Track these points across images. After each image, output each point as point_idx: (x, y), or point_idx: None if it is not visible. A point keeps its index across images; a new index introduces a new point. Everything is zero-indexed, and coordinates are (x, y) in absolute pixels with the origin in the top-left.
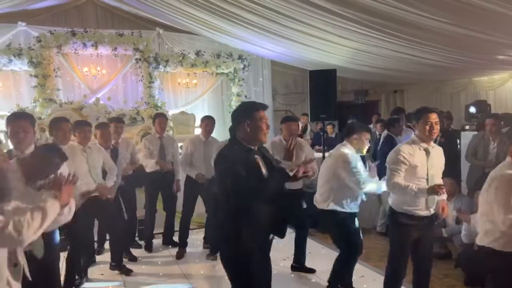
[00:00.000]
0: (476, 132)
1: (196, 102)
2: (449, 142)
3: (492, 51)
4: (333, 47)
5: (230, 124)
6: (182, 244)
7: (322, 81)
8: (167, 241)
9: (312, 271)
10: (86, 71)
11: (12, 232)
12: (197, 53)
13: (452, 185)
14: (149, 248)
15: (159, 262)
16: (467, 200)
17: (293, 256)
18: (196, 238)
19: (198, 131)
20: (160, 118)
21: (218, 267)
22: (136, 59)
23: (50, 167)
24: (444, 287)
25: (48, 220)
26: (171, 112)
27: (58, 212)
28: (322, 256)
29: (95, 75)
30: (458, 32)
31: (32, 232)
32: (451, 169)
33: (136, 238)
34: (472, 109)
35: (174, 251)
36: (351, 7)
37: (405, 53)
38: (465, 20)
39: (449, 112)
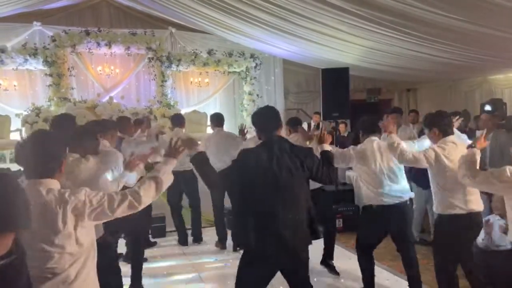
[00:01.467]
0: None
1: (208, 101)
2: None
3: (508, 48)
4: (346, 46)
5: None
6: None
7: (335, 79)
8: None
9: (336, 273)
10: (100, 70)
11: (132, 201)
12: (209, 52)
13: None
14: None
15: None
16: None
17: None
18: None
19: (210, 130)
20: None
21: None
22: (149, 58)
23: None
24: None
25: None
26: (183, 111)
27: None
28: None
29: (109, 74)
30: (473, 29)
31: (148, 199)
32: None
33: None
34: (488, 108)
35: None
36: (364, 5)
37: (418, 51)
38: (479, 17)
39: (466, 110)
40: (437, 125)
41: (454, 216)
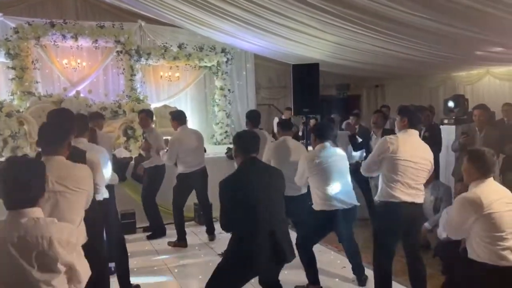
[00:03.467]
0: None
1: (179, 95)
2: (433, 135)
3: (471, 47)
4: (316, 41)
5: (213, 118)
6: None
7: (305, 75)
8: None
9: None
10: (66, 64)
11: None
12: (180, 46)
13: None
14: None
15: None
16: (444, 187)
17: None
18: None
19: None
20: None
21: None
22: (118, 51)
23: None
24: None
25: None
26: (153, 105)
27: None
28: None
29: (75, 68)
30: (438, 28)
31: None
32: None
33: None
34: (451, 104)
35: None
36: (334, 2)
37: (386, 48)
38: (445, 16)
39: (431, 106)
40: (410, 116)
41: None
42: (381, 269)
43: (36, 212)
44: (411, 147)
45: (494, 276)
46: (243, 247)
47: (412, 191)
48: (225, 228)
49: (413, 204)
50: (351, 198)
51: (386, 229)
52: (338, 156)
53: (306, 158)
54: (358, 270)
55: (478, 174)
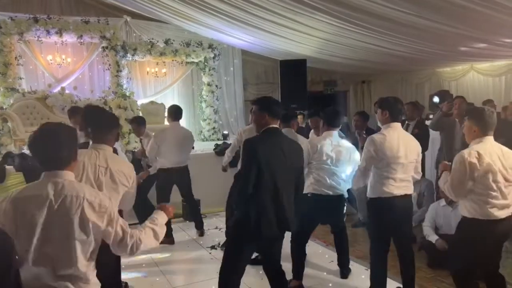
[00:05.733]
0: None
1: (165, 91)
2: (422, 132)
3: (455, 42)
4: (303, 38)
5: (201, 114)
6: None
7: (293, 71)
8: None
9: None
10: (51, 60)
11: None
12: (166, 42)
13: None
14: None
15: None
16: (426, 182)
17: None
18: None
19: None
20: None
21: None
22: (103, 47)
23: None
24: None
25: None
26: (140, 101)
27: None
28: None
29: (60, 64)
30: (424, 24)
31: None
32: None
33: None
34: (436, 99)
35: None
36: None
37: (372, 44)
38: (430, 12)
39: (417, 102)
40: (391, 109)
41: None
42: (377, 264)
43: (70, 175)
44: (399, 143)
45: (483, 229)
46: (252, 210)
47: (403, 183)
48: (244, 194)
49: (405, 196)
50: (340, 188)
51: (381, 224)
52: (342, 147)
53: (309, 143)
54: (344, 263)
55: (478, 132)
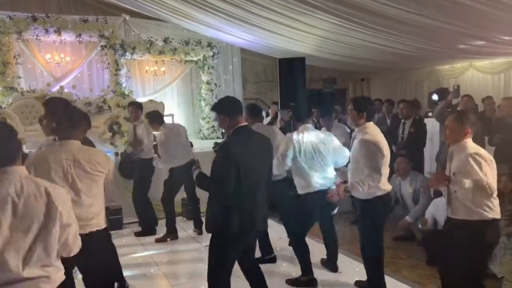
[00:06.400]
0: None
1: (164, 90)
2: (418, 130)
3: (454, 40)
4: (302, 36)
5: (200, 112)
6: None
7: (292, 69)
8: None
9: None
10: (49, 58)
11: None
12: (165, 40)
13: (403, 163)
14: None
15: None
16: (421, 178)
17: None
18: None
19: (167, 120)
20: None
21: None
22: (102, 46)
23: None
24: (408, 267)
25: None
26: (139, 100)
27: None
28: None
29: (59, 63)
30: (423, 22)
31: None
32: (417, 157)
33: None
34: (435, 97)
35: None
36: None
37: (371, 42)
38: (429, 10)
39: (416, 99)
40: (367, 110)
41: None
42: (376, 260)
43: (24, 169)
44: (384, 140)
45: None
46: (232, 212)
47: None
48: (223, 199)
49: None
50: (328, 181)
51: (381, 221)
52: (321, 138)
53: (290, 137)
54: (333, 258)
55: (463, 134)
